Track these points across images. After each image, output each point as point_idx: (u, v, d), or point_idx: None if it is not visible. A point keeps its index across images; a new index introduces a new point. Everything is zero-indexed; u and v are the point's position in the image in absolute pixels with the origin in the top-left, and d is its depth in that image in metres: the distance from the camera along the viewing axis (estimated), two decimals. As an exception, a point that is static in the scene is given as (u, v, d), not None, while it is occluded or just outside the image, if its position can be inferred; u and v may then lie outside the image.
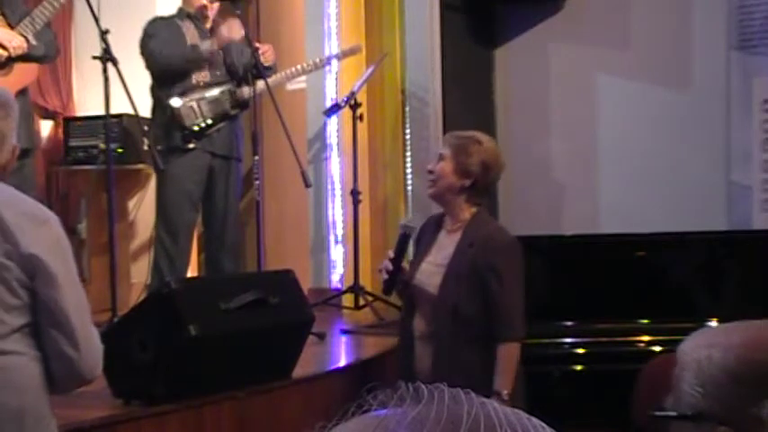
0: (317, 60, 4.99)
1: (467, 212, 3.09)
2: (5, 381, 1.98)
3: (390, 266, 3.13)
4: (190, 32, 4.59)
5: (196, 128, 4.46)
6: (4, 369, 1.98)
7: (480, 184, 3.08)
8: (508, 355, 2.98)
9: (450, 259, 3.08)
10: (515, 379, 3.02)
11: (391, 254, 3.15)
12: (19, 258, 1.97)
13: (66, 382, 2.11)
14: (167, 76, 4.47)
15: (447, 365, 3.02)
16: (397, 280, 3.16)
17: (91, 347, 2.07)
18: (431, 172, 3.15)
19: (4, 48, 3.84)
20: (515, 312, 3.01)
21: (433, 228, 3.23)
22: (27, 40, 3.91)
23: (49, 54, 4.08)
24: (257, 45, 4.54)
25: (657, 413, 1.23)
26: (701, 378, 1.17)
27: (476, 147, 3.07)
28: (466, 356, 3.00)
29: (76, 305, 2.05)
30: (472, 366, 2.97)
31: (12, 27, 3.91)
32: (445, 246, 3.12)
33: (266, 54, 4.54)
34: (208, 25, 4.64)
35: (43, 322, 2.02)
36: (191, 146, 4.45)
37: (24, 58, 3.92)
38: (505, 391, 2.93)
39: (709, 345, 1.19)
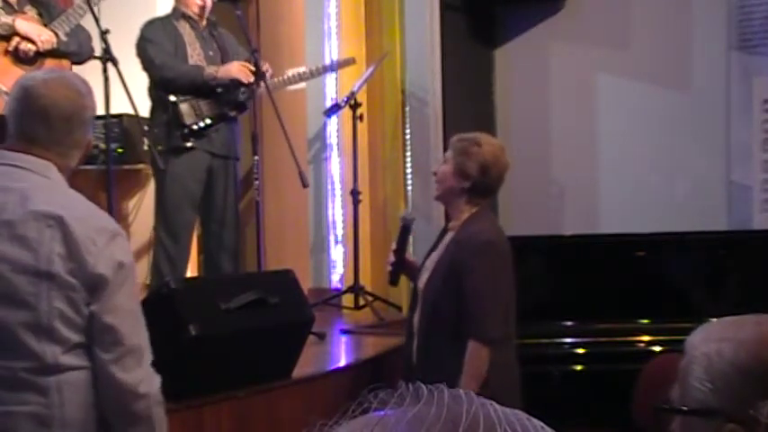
0: (314, 69, 4.98)
1: (467, 213, 3.12)
2: (71, 395, 1.96)
3: (393, 258, 3.25)
4: (187, 33, 4.59)
5: (195, 127, 4.45)
6: (69, 383, 1.95)
7: (480, 186, 3.10)
8: (473, 355, 2.95)
9: (439, 257, 3.13)
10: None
11: (394, 245, 3.29)
12: (83, 278, 1.93)
13: (110, 405, 2.01)
14: (167, 85, 4.46)
15: (427, 362, 3.07)
16: (401, 271, 3.29)
17: (145, 376, 2.01)
18: (435, 174, 3.22)
19: (33, 42, 3.86)
20: (486, 313, 2.98)
21: (444, 226, 3.32)
22: (57, 36, 3.92)
23: (83, 52, 4.06)
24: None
25: (664, 406, 1.21)
26: (710, 373, 1.15)
27: (475, 149, 3.09)
28: (443, 354, 3.02)
29: (133, 328, 2.00)
30: (449, 364, 2.96)
31: (46, 26, 3.94)
32: (444, 244, 3.16)
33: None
34: (203, 24, 4.64)
35: (95, 343, 1.97)
36: (189, 144, 4.44)
37: (55, 53, 3.94)
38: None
39: (719, 338, 1.17)
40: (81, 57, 4.12)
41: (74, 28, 3.99)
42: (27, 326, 1.93)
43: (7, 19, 3.86)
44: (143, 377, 2.01)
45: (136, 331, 2.02)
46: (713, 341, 1.17)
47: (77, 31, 4.02)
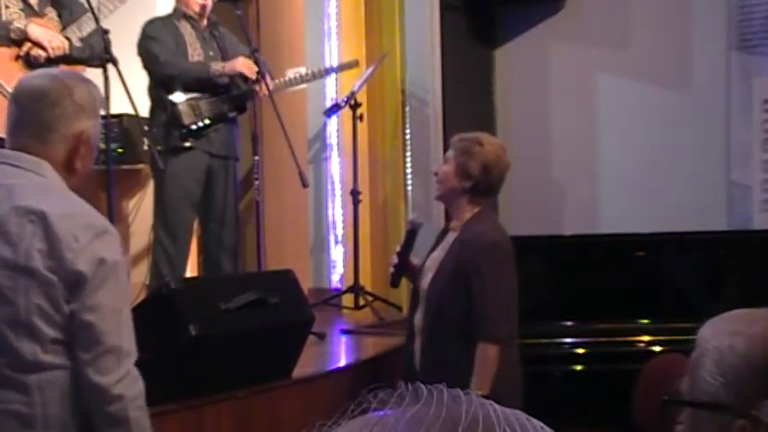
0: (316, 71, 4.98)
1: (468, 213, 3.12)
2: (53, 394, 1.93)
3: (396, 260, 3.25)
4: (187, 33, 4.58)
5: (194, 127, 4.45)
6: (51, 383, 1.93)
7: (482, 185, 3.10)
8: (483, 355, 2.97)
9: (442, 257, 3.12)
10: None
11: (398, 248, 3.29)
12: (63, 274, 1.90)
13: (88, 405, 1.97)
14: (170, 83, 4.45)
15: (432, 362, 3.07)
16: (403, 273, 3.29)
17: (123, 377, 1.96)
18: (436, 174, 3.23)
19: (44, 48, 3.84)
20: (494, 313, 2.99)
21: (445, 226, 3.31)
22: (69, 41, 3.90)
23: (95, 56, 3.98)
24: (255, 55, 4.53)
25: (674, 399, 1.21)
26: (722, 367, 1.14)
27: (476, 148, 3.10)
28: (449, 354, 3.03)
29: (115, 328, 1.95)
30: (454, 364, 2.98)
31: (63, 28, 3.91)
32: (447, 244, 3.17)
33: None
34: (204, 23, 4.64)
35: (75, 341, 1.93)
36: (187, 144, 4.44)
37: (67, 60, 3.91)
38: (477, 392, 2.91)
39: (732, 332, 1.16)
40: (94, 61, 4.10)
41: (91, 32, 3.95)
42: (6, 321, 1.91)
43: (20, 24, 3.84)
44: (120, 378, 1.94)
45: (117, 332, 1.96)
46: (725, 335, 1.16)
47: (94, 36, 3.95)
